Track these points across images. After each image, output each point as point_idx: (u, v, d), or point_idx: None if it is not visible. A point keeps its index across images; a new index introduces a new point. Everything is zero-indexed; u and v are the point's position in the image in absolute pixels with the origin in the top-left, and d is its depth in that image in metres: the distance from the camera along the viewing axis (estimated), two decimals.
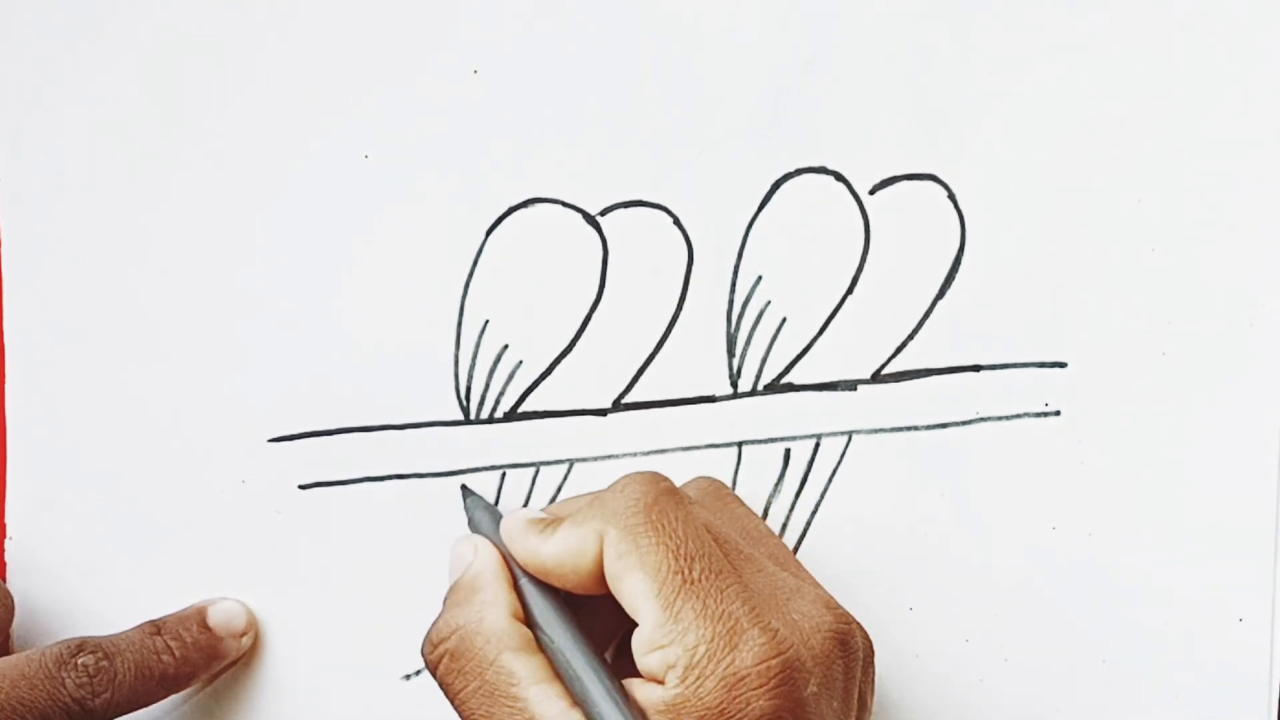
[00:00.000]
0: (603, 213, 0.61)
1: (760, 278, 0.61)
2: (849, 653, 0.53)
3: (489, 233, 0.62)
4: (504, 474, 0.62)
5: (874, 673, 0.56)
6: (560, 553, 0.54)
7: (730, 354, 0.61)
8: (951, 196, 0.61)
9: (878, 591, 0.61)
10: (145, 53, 0.62)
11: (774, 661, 0.51)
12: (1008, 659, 0.61)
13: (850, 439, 0.61)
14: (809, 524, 0.61)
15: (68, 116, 0.62)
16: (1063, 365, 0.61)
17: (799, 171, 0.61)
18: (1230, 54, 0.60)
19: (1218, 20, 0.60)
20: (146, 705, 0.60)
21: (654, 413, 0.61)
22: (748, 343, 0.61)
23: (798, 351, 0.61)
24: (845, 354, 0.61)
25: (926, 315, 0.61)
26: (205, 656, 0.61)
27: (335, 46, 0.61)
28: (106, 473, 0.63)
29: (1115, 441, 0.60)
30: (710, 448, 0.61)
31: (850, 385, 0.61)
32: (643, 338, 0.62)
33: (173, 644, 0.60)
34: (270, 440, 0.62)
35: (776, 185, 0.61)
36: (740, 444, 0.61)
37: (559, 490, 0.62)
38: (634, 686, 0.52)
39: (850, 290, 0.61)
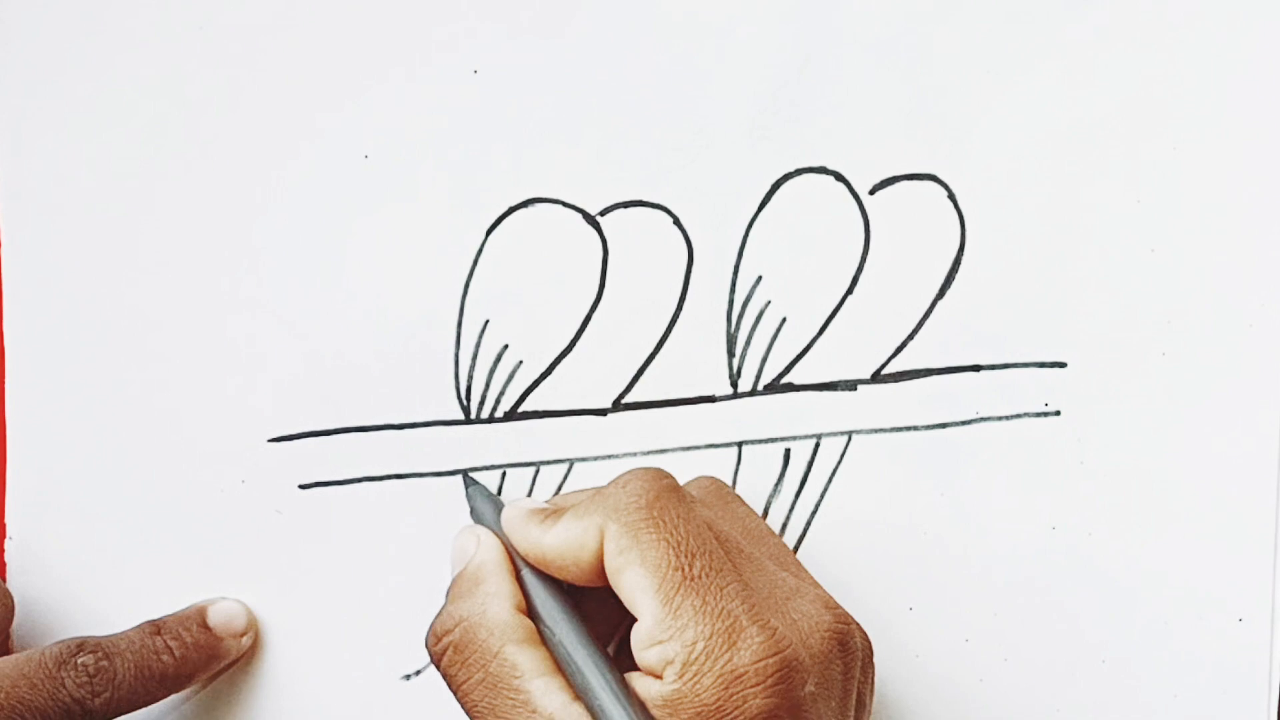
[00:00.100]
0: (603, 213, 0.61)
1: (760, 278, 0.61)
2: (848, 653, 0.53)
3: (489, 233, 0.62)
4: (504, 473, 0.62)
5: (873, 673, 0.56)
6: (561, 544, 0.54)
7: (730, 354, 0.61)
8: (951, 196, 0.61)
9: (878, 591, 0.61)
10: (145, 53, 0.62)
11: (771, 660, 0.51)
12: (1008, 659, 0.61)
13: (850, 439, 0.61)
14: (809, 524, 0.61)
15: (68, 116, 0.62)
16: (1063, 365, 0.61)
17: (799, 171, 0.61)
18: (1230, 54, 0.60)
19: (1217, 20, 0.60)
20: (146, 705, 0.60)
21: (654, 413, 0.61)
22: (748, 343, 0.61)
23: (798, 351, 0.61)
24: (845, 354, 0.61)
25: (926, 315, 0.61)
26: (205, 656, 0.61)
27: (335, 46, 0.62)
28: (106, 473, 0.63)
29: (1115, 441, 0.60)
30: (710, 448, 0.61)
31: (850, 385, 0.61)
32: (643, 338, 0.62)
33: (173, 644, 0.60)
34: (270, 440, 0.62)
35: (776, 185, 0.61)
36: (740, 444, 0.61)
37: (559, 490, 0.62)
38: (632, 681, 0.52)
39: (850, 290, 0.61)
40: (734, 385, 0.61)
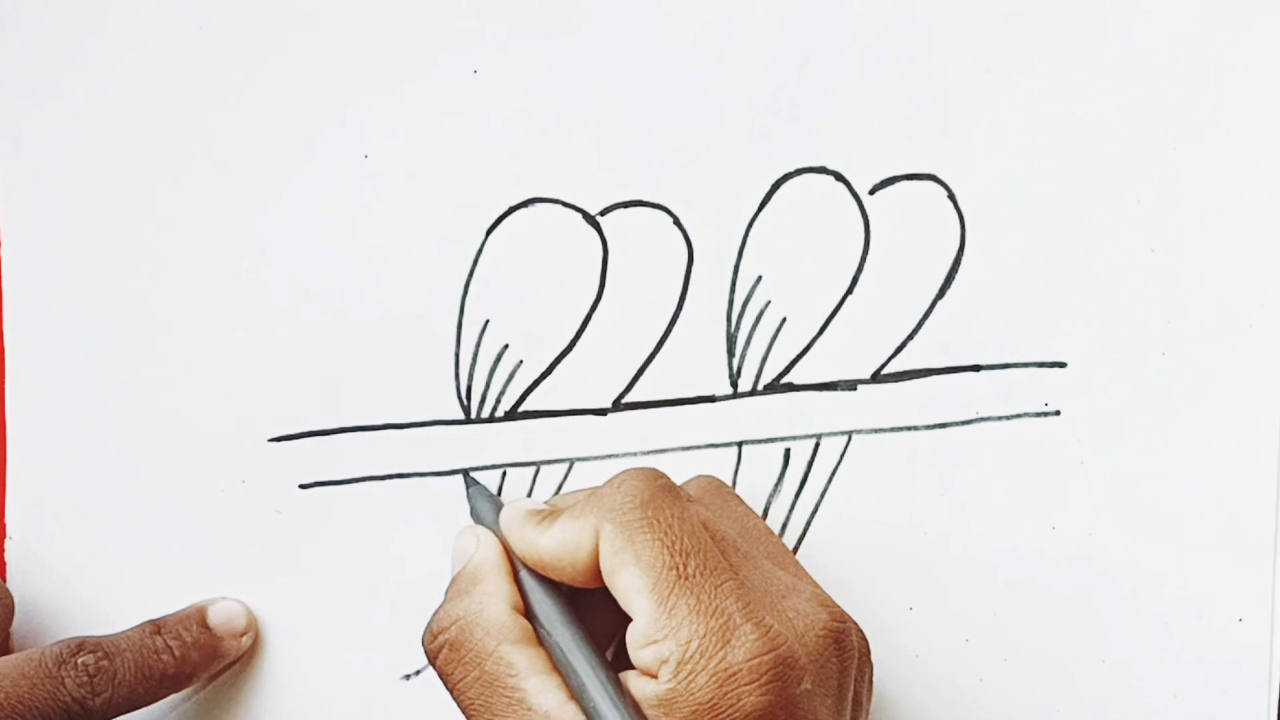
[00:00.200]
0: (603, 213, 0.61)
1: (760, 278, 0.61)
2: (844, 651, 0.53)
3: (489, 233, 0.62)
4: (505, 473, 0.62)
5: (871, 673, 0.56)
6: (557, 546, 0.54)
7: (730, 354, 0.61)
8: (951, 196, 0.61)
9: (878, 591, 0.61)
10: (145, 53, 0.62)
11: (766, 658, 0.51)
12: (1008, 659, 0.61)
13: (850, 439, 0.61)
14: (809, 524, 0.61)
15: (68, 116, 0.62)
16: (1063, 365, 0.61)
17: (799, 171, 0.61)
18: (1230, 54, 0.60)
19: (1217, 20, 0.60)
20: (146, 705, 0.60)
21: (654, 412, 0.61)
22: (748, 343, 0.61)
23: (798, 351, 0.61)
24: (845, 354, 0.61)
25: (926, 315, 0.61)
26: (205, 656, 0.61)
27: (335, 47, 0.62)
28: (106, 473, 0.63)
29: (1115, 441, 0.60)
30: (710, 447, 0.61)
31: (850, 385, 0.61)
32: (643, 338, 0.62)
33: (173, 644, 0.60)
34: (270, 440, 0.62)
35: (776, 185, 0.61)
36: (740, 444, 0.61)
37: (559, 490, 0.62)
38: (628, 680, 0.52)
39: (850, 290, 0.61)
40: (734, 385, 0.61)
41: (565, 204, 0.61)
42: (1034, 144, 0.60)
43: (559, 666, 0.54)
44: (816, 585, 0.56)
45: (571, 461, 0.62)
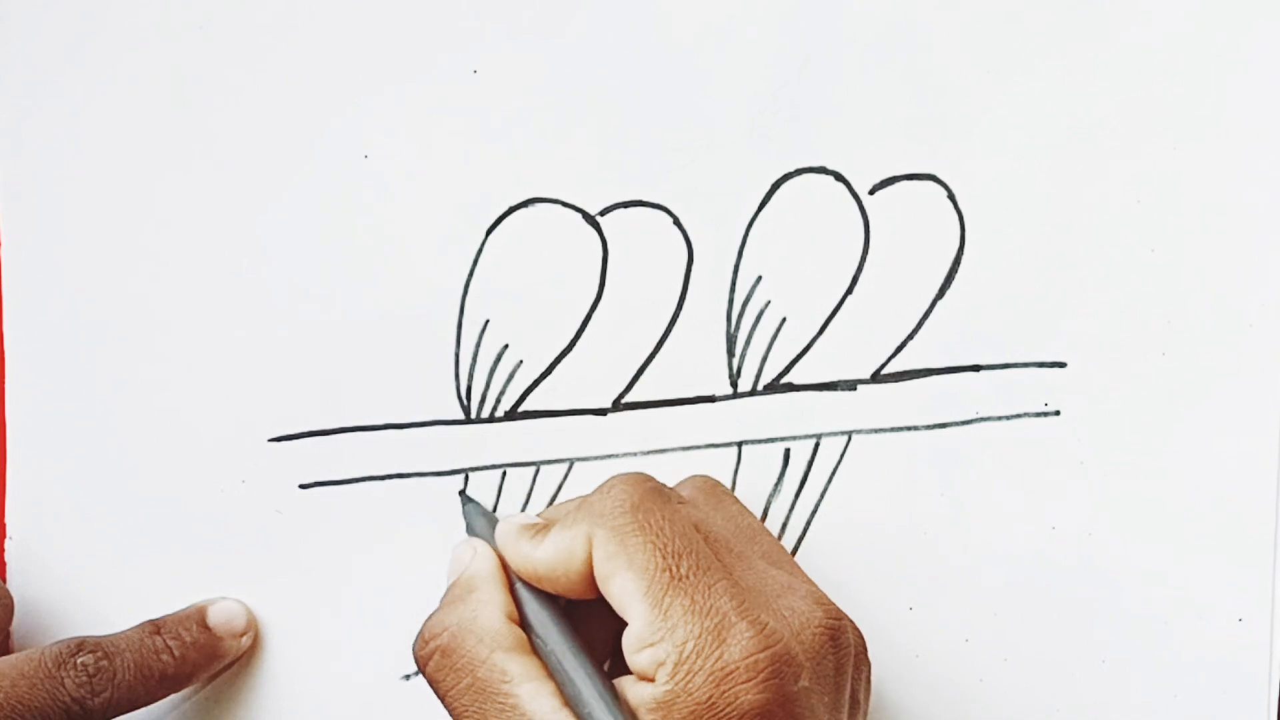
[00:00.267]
0: (603, 213, 0.61)
1: (760, 278, 0.61)
2: (840, 648, 0.53)
3: (489, 233, 0.62)
4: (504, 473, 0.62)
5: (869, 671, 0.56)
6: (551, 557, 0.54)
7: (730, 354, 0.61)
8: (951, 196, 0.61)
9: (878, 591, 0.61)
10: (145, 53, 0.62)
11: (762, 655, 0.51)
12: (1008, 659, 0.61)
13: (850, 439, 0.61)
14: (809, 524, 0.61)
15: (68, 116, 0.62)
16: (1063, 365, 0.61)
17: (799, 171, 0.61)
18: (1230, 54, 0.60)
19: (1217, 20, 0.60)
20: (146, 705, 0.60)
21: (654, 412, 0.61)
22: (747, 343, 0.61)
23: (798, 351, 0.61)
24: (845, 354, 0.61)
25: (926, 315, 0.61)
26: (205, 656, 0.61)
27: (335, 46, 0.62)
28: (106, 473, 0.63)
29: (1115, 441, 0.60)
30: (710, 448, 0.61)
31: (850, 385, 0.61)
32: (643, 338, 0.62)
33: (172, 644, 0.60)
34: (270, 440, 0.62)
35: (776, 185, 0.61)
36: (740, 444, 0.61)
37: (559, 489, 0.62)
38: (626, 685, 0.52)
39: (850, 290, 0.61)
40: (734, 385, 0.61)
41: (565, 204, 0.61)
42: (1034, 144, 0.60)
43: (554, 675, 0.53)
44: (812, 583, 0.56)
45: (571, 461, 0.62)
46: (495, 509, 0.62)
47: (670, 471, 0.61)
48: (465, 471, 0.62)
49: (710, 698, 0.51)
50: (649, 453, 0.61)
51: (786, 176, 0.61)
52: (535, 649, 0.54)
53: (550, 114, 0.61)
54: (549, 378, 0.62)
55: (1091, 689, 0.61)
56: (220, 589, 0.62)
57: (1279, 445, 0.60)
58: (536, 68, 0.61)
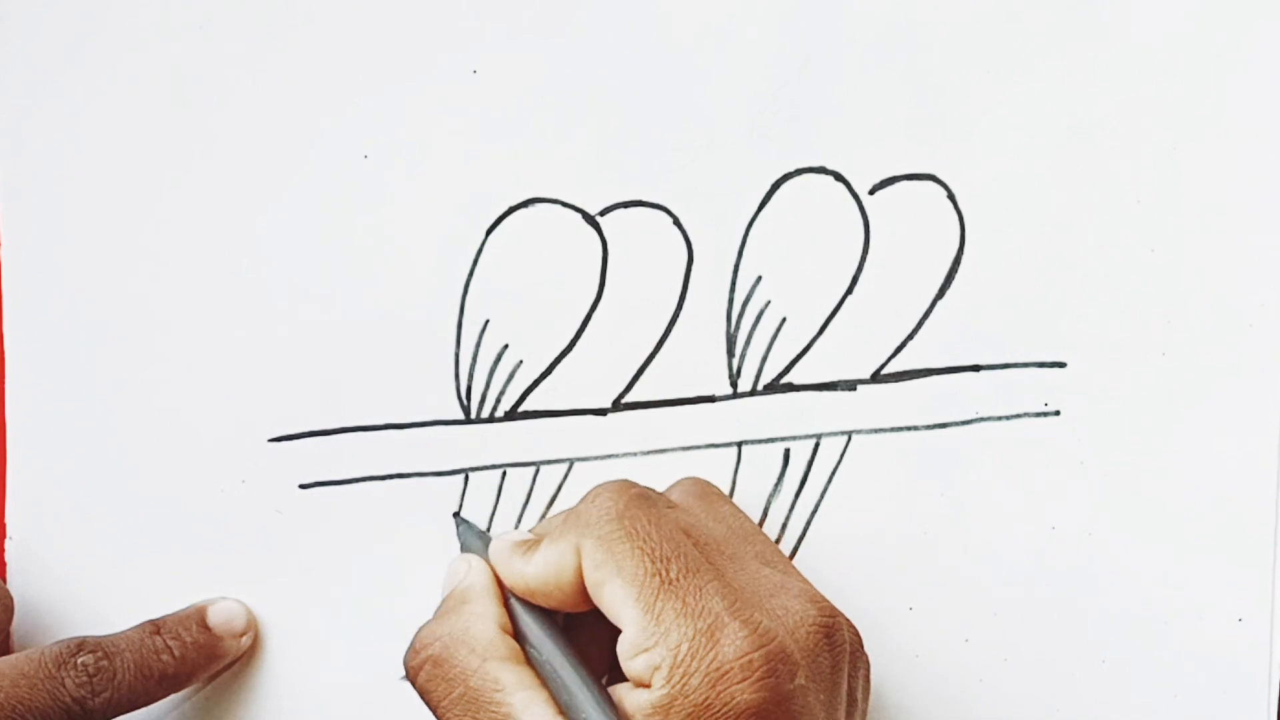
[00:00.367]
0: (603, 213, 0.61)
1: (760, 278, 0.61)
2: (835, 645, 0.53)
3: (489, 233, 0.62)
4: (504, 473, 0.62)
5: (866, 669, 0.56)
6: (542, 572, 0.54)
7: (730, 354, 0.61)
8: (951, 196, 0.61)
9: (878, 591, 0.61)
10: (145, 53, 0.62)
11: (756, 655, 0.51)
12: (1008, 659, 0.61)
13: (850, 439, 0.61)
14: (809, 524, 0.61)
15: (68, 116, 0.62)
16: (1062, 365, 0.61)
17: (799, 171, 0.61)
18: (1230, 54, 0.60)
19: (1217, 20, 0.60)
20: (146, 705, 0.60)
21: (654, 412, 0.61)
22: (747, 343, 0.61)
23: (797, 351, 0.61)
24: (845, 354, 0.61)
25: (926, 315, 0.61)
26: (205, 656, 0.61)
27: (335, 46, 0.61)
28: (106, 473, 0.63)
29: (1115, 441, 0.60)
30: (710, 448, 0.61)
31: (850, 385, 0.61)
32: (643, 338, 0.62)
33: (172, 644, 0.60)
34: (270, 440, 0.62)
35: (776, 185, 0.61)
36: (740, 444, 0.61)
37: (559, 490, 0.62)
38: (622, 693, 0.52)
39: (850, 290, 0.61)
40: (734, 385, 0.61)
41: (565, 204, 0.61)
42: (1034, 144, 0.60)
43: (549, 685, 0.53)
44: (806, 581, 0.56)
45: (571, 461, 0.62)
46: (495, 509, 0.62)
47: (670, 471, 0.61)
48: (465, 471, 0.62)
49: (706, 699, 0.51)
50: (649, 453, 0.61)
51: (786, 176, 0.61)
52: (530, 660, 0.54)
53: (550, 114, 0.61)
54: (549, 378, 0.62)
55: (1091, 689, 0.61)
56: (220, 589, 0.62)
57: (1279, 445, 0.60)
58: (536, 68, 0.61)
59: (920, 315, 0.61)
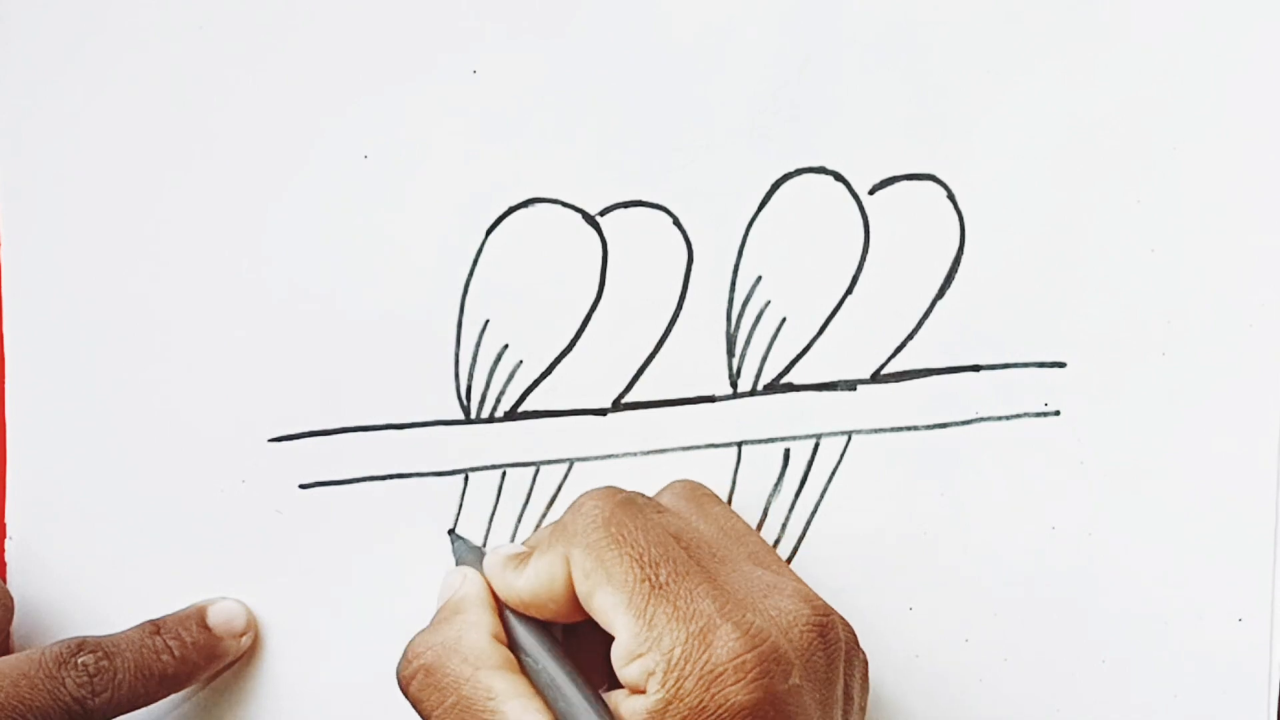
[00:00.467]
0: (602, 213, 0.61)
1: (760, 278, 0.61)
2: (829, 644, 0.53)
3: (489, 233, 0.62)
4: (504, 473, 0.62)
5: (863, 666, 0.56)
6: (533, 584, 0.54)
7: (730, 354, 0.61)
8: (951, 196, 0.61)
9: (877, 591, 0.61)
10: (145, 53, 0.62)
11: (749, 656, 0.51)
12: (1008, 659, 0.61)
13: (850, 439, 0.61)
14: (809, 524, 0.61)
15: (68, 116, 0.62)
16: (1062, 365, 0.61)
17: (799, 171, 0.61)
18: (1230, 54, 0.60)
19: (1217, 20, 0.60)
20: (146, 705, 0.60)
21: (654, 413, 0.61)
22: (747, 343, 0.61)
23: (797, 351, 0.61)
24: (845, 354, 0.61)
25: (926, 315, 0.61)
26: (205, 656, 0.61)
27: (335, 47, 0.62)
28: (106, 473, 0.63)
29: (1115, 441, 0.60)
30: (710, 448, 0.61)
31: (850, 385, 0.61)
32: (643, 338, 0.62)
33: (172, 644, 0.60)
34: (270, 440, 0.62)
35: (776, 185, 0.61)
36: (740, 444, 0.61)
37: (559, 490, 0.62)
38: (618, 700, 0.52)
39: (850, 290, 0.61)
40: (734, 385, 0.61)
41: (565, 204, 0.61)
42: (1034, 144, 0.60)
43: (545, 693, 0.53)
44: (799, 581, 0.56)
45: (571, 461, 0.62)
46: (495, 509, 0.62)
47: (670, 471, 0.61)
48: (465, 472, 0.62)
49: (701, 702, 0.50)
50: (649, 453, 0.61)
51: (786, 176, 0.61)
52: (526, 670, 0.54)
53: (550, 114, 0.61)
54: (549, 378, 0.62)
55: (1091, 689, 0.61)
56: (220, 589, 0.62)
57: (1279, 445, 0.60)
58: (536, 68, 0.61)
59: (920, 315, 0.61)
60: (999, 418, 0.61)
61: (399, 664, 0.55)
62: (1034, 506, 0.61)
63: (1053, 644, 0.61)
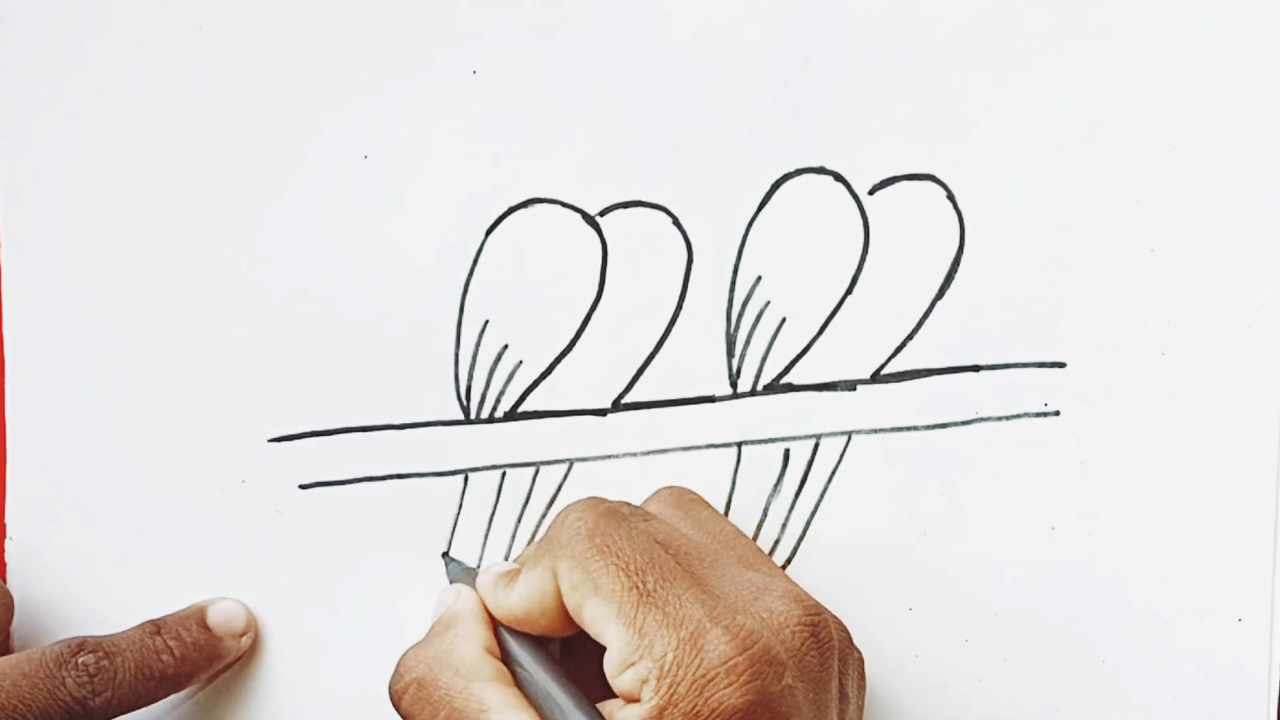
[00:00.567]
0: (602, 213, 0.61)
1: (760, 278, 0.61)
2: (822, 643, 0.53)
3: (489, 233, 0.62)
4: (504, 474, 0.62)
5: (859, 664, 0.56)
6: (524, 600, 0.55)
7: (730, 354, 0.61)
8: (950, 196, 0.61)
9: (877, 591, 0.61)
10: (145, 53, 0.62)
11: (740, 659, 0.51)
12: (1007, 659, 0.61)
13: (850, 439, 0.61)
14: (808, 524, 0.61)
15: (68, 116, 0.62)
16: (1062, 365, 0.61)
17: (799, 171, 0.61)
18: (1230, 54, 0.60)
19: (1217, 20, 0.60)
20: (146, 705, 0.60)
21: (654, 413, 0.61)
22: (747, 343, 0.61)
23: (797, 351, 0.61)
24: (845, 354, 0.61)
25: (926, 315, 0.61)
26: (205, 656, 0.61)
27: (335, 47, 0.62)
28: (106, 473, 0.63)
29: (1115, 441, 0.60)
30: (710, 448, 0.61)
31: (850, 385, 0.61)
32: (643, 338, 0.62)
33: (172, 644, 0.60)
34: (270, 440, 0.62)
35: (776, 185, 0.61)
36: (740, 444, 0.61)
37: (559, 490, 0.62)
38: (613, 709, 0.52)
39: (850, 290, 0.61)
40: (733, 385, 0.61)
41: (565, 204, 0.61)
42: (1034, 144, 0.60)
43: (541, 706, 0.53)
44: (790, 581, 0.56)
45: (571, 462, 0.62)
46: (495, 509, 0.62)
47: (670, 472, 0.61)
48: (465, 472, 0.62)
49: (694, 706, 0.50)
50: (649, 453, 0.61)
51: (786, 176, 0.61)
52: (520, 683, 0.54)
53: (550, 114, 0.61)
54: (549, 378, 0.62)
55: (1091, 689, 0.61)
56: (220, 589, 0.62)
57: (1279, 445, 0.60)
58: (536, 68, 0.61)
59: (920, 315, 0.61)
60: (999, 418, 0.61)
61: (391, 679, 0.55)
62: (1034, 507, 0.61)
63: (1053, 644, 0.61)
